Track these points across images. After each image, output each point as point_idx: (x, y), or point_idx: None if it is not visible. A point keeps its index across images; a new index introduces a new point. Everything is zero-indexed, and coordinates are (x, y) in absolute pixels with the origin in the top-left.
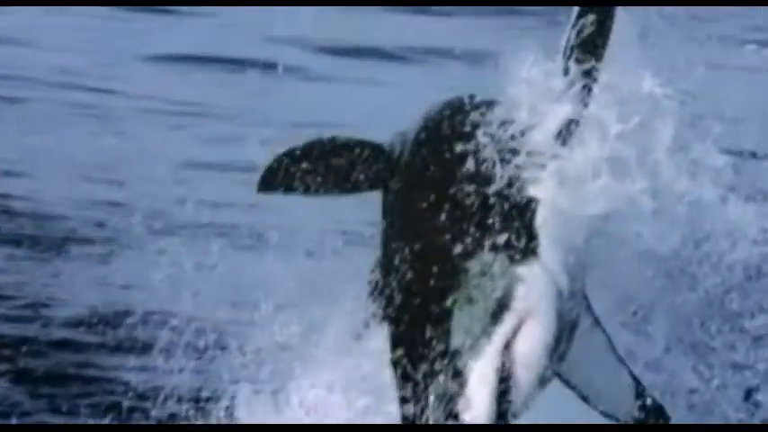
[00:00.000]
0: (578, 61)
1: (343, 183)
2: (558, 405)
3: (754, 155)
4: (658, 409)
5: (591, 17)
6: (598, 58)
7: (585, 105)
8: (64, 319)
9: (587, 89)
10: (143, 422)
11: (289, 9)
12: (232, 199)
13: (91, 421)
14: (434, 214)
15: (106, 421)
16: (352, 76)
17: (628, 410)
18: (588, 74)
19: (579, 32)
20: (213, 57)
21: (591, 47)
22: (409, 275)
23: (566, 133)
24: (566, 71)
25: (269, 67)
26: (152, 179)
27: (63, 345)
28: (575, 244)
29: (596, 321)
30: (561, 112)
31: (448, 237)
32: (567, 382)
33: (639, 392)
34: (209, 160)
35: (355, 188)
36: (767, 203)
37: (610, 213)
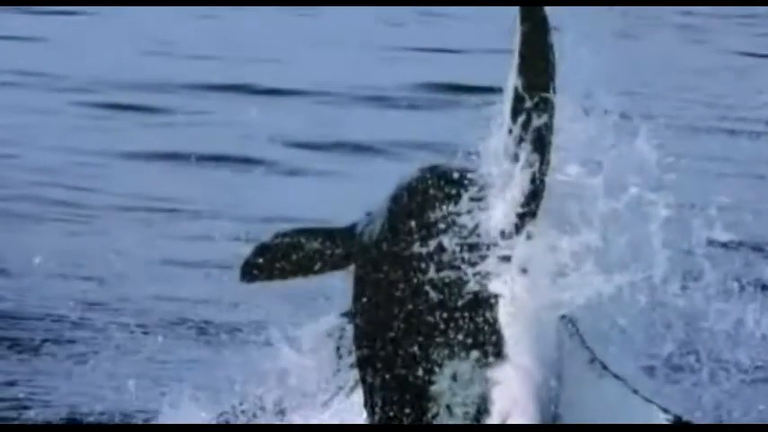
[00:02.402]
0: (528, 95)
1: (315, 265)
2: None
3: (755, 247)
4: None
5: (531, 57)
6: (546, 86)
7: (548, 145)
8: (44, 420)
9: (543, 128)
10: None
11: (260, 103)
12: (208, 296)
13: None
14: (399, 323)
15: None
16: (324, 170)
17: None
18: (539, 110)
19: (521, 64)
20: (187, 153)
21: (536, 79)
22: (383, 388)
23: (531, 197)
24: (514, 114)
25: (242, 162)
26: (129, 277)
27: None
28: (547, 336)
29: (604, 372)
30: (522, 166)
31: (414, 347)
32: None
33: (674, 425)
34: (185, 257)
35: (326, 269)
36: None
37: (592, 305)
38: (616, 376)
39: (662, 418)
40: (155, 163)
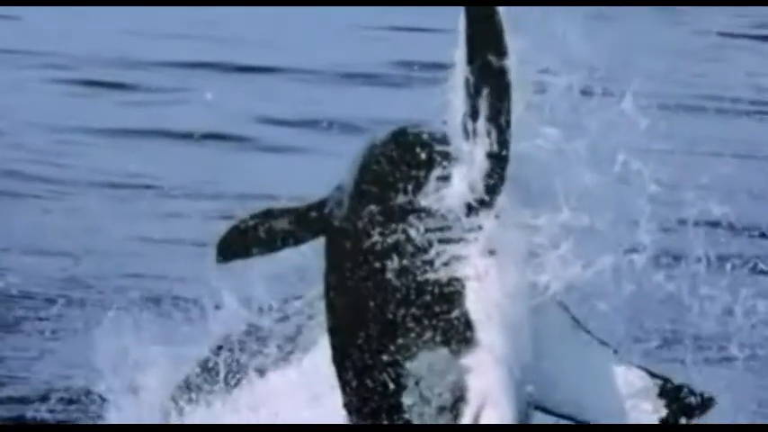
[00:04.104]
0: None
1: (288, 239)
2: None
3: (744, 228)
4: (698, 396)
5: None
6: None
7: (508, 115)
8: (19, 396)
9: (501, 101)
10: None
11: (238, 81)
12: (184, 273)
13: None
14: (368, 313)
15: None
16: (303, 147)
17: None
18: (495, 86)
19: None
20: (164, 131)
21: (487, 50)
22: (356, 376)
23: (495, 163)
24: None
25: (220, 139)
26: (105, 254)
27: (20, 422)
28: (518, 319)
29: (589, 337)
30: (483, 124)
31: (383, 335)
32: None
33: (666, 389)
34: (162, 234)
35: (299, 242)
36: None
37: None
38: (603, 342)
39: (650, 383)
40: (132, 140)
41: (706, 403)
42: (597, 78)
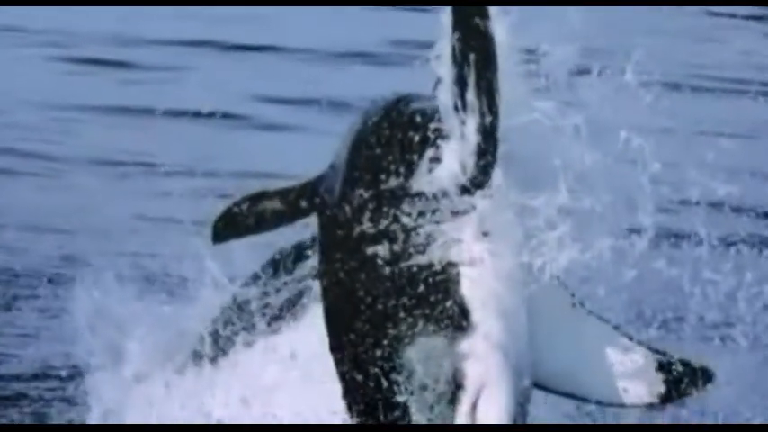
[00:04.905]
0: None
1: (282, 218)
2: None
3: (750, 209)
4: (698, 371)
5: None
6: (486, 56)
7: (495, 88)
8: (15, 374)
9: (486, 89)
10: None
11: (235, 59)
12: (179, 251)
13: None
14: (363, 301)
15: None
16: (301, 125)
17: (652, 389)
18: (481, 76)
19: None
20: (161, 109)
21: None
22: (353, 364)
23: (484, 138)
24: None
25: (217, 117)
26: (102, 232)
27: (16, 399)
28: (514, 303)
29: (588, 315)
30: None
31: (379, 323)
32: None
33: (665, 364)
34: (159, 213)
35: (292, 220)
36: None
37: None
38: (602, 319)
39: (652, 360)
40: (129, 118)
41: (706, 378)
42: (595, 56)
